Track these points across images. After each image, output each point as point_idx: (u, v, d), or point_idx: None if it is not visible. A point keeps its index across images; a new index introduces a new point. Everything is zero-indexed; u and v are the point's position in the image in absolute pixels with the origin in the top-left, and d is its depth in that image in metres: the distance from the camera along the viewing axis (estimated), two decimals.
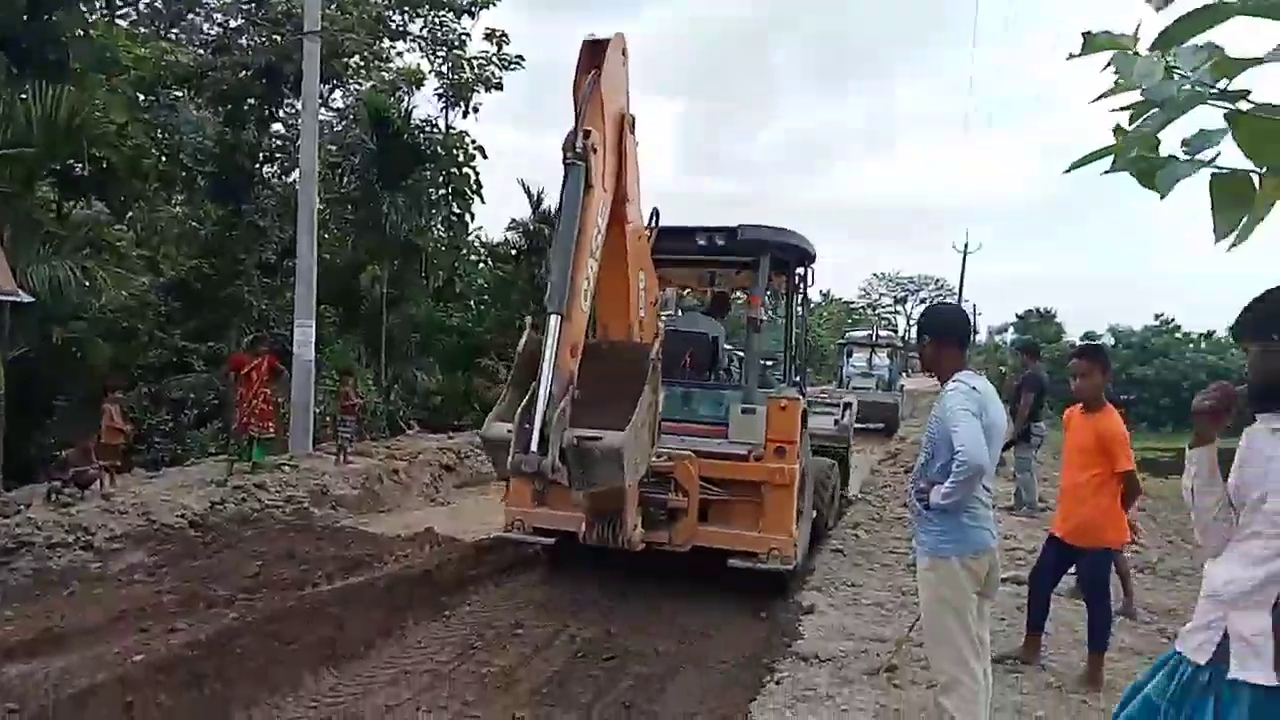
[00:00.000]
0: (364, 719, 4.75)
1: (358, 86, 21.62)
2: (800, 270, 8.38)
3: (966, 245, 49.11)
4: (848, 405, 12.38)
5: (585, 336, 5.06)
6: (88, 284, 12.10)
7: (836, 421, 11.49)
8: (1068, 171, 1.84)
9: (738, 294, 9.85)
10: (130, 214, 17.37)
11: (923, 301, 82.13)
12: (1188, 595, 6.70)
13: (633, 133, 5.84)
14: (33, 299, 10.85)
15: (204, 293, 17.62)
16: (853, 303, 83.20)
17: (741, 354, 8.36)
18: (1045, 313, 57.79)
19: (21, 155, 11.18)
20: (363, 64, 20.63)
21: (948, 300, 47.56)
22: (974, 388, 3.63)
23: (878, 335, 29.97)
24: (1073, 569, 5.32)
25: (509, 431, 4.59)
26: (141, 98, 16.05)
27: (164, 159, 15.89)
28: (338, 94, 21.80)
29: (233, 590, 6.44)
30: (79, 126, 11.72)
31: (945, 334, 3.84)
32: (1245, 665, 2.18)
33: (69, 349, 12.98)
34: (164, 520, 8.40)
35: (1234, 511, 2.37)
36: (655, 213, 6.62)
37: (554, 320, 4.57)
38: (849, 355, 28.10)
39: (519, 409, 4.58)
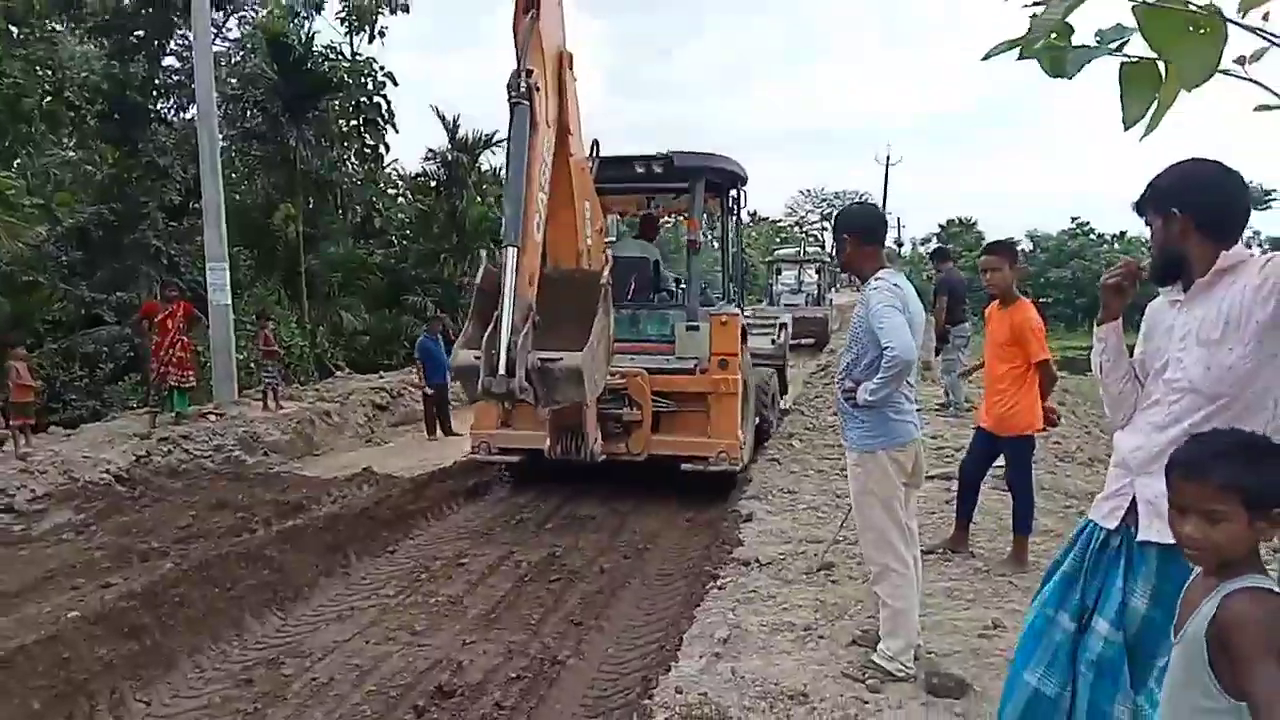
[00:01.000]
0: (313, 656, 4.73)
1: (254, 13, 20.47)
2: (733, 193, 8.79)
3: (889, 158, 49.59)
4: (783, 325, 13.24)
5: (540, 267, 5.45)
6: None
7: (774, 341, 12.14)
8: (985, 59, 1.86)
9: (670, 217, 10.50)
10: (18, 160, 16.34)
11: None
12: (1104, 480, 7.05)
13: (571, 69, 6.10)
14: None
15: (107, 240, 16.78)
16: (780, 221, 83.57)
17: (680, 276, 8.93)
18: (966, 221, 59.13)
19: None
20: None
21: None
22: (895, 284, 3.69)
23: (805, 252, 30.32)
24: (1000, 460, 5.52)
25: (476, 358, 5.05)
26: (15, 31, 14.92)
27: (48, 98, 14.88)
28: (233, 22, 20.65)
29: (166, 542, 6.30)
30: None
31: (863, 233, 3.84)
32: (1150, 527, 2.29)
33: None
34: (88, 477, 8.13)
35: (1139, 384, 2.46)
36: (595, 145, 6.93)
37: (511, 253, 4.94)
38: (778, 273, 28.38)
39: (484, 337, 5.00)
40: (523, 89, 5.19)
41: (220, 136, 12.59)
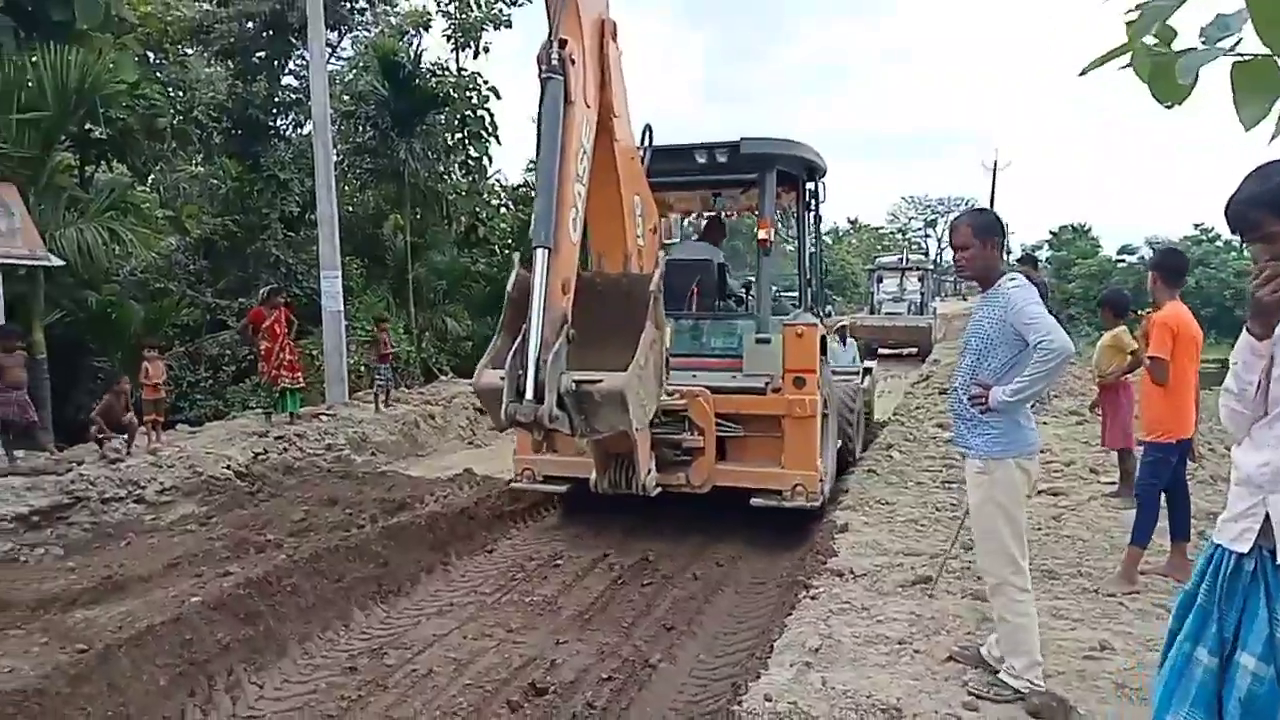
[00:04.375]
0: (414, 648, 4.91)
1: (366, 33, 21.35)
2: (810, 185, 7.76)
3: (996, 163, 47.90)
4: (842, 329, 12.73)
5: (579, 270, 4.76)
6: (116, 247, 12.21)
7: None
8: (1083, 73, 1.80)
9: (735, 217, 9.37)
10: (151, 175, 17.44)
11: None
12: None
13: (615, 40, 5.31)
14: (63, 263, 11.01)
15: (230, 250, 17.77)
16: (881, 228, 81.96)
17: (751, 282, 7.90)
18: (1080, 228, 56.63)
19: (37, 120, 11.21)
20: (368, 7, 20.34)
21: None
22: (1026, 282, 3.64)
23: (908, 259, 29.64)
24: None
25: (501, 379, 4.35)
26: (151, 56, 15.98)
27: (179, 117, 15.85)
28: (346, 41, 21.56)
29: (280, 535, 6.62)
30: (91, 87, 11.68)
31: (991, 235, 3.71)
32: None
33: (104, 311, 13.18)
34: (210, 472, 8.61)
35: (1263, 398, 2.30)
36: (648, 131, 6.14)
37: (540, 255, 4.24)
38: (879, 281, 27.83)
39: (509, 354, 4.29)
40: (554, 61, 4.49)
41: (334, 151, 13.17)
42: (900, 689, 3.63)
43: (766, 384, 6.53)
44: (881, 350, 23.51)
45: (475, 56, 21.24)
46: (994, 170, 46.77)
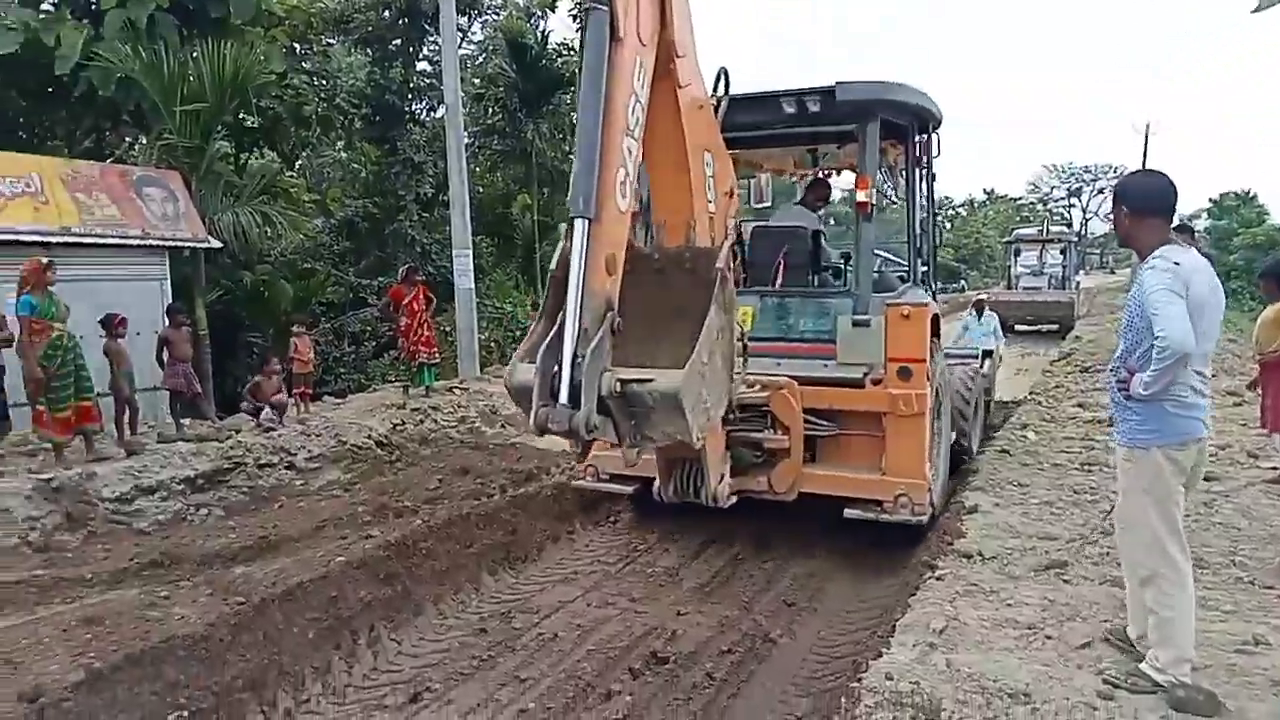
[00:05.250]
0: (540, 612, 5.09)
1: (494, 16, 21.84)
2: (921, 137, 6.57)
3: (1148, 126, 44.74)
4: (979, 302, 11.98)
5: (631, 243, 3.96)
6: (268, 229, 13.06)
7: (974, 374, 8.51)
8: (1258, 10, 1.68)
9: (836, 175, 7.90)
10: (299, 161, 18.49)
11: (1100, 192, 75.95)
12: None
13: None
14: (221, 245, 11.86)
15: (370, 231, 18.66)
16: (1020, 198, 78.05)
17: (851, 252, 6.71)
18: (1244, 195, 52.30)
19: (197, 111, 12.06)
20: None
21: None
22: (1176, 263, 3.29)
23: (1049, 230, 28.13)
24: None
25: (535, 375, 3.54)
26: (296, 47, 16.87)
27: (323, 105, 16.71)
28: (476, 26, 22.12)
29: (417, 501, 6.96)
30: (244, 79, 12.49)
31: (1144, 204, 3.45)
32: None
33: (258, 290, 14.10)
34: (354, 441, 9.12)
35: None
36: (723, 76, 5.12)
37: (580, 226, 3.46)
38: (1017, 254, 26.54)
39: (543, 346, 3.51)
40: None
41: (465, 133, 13.60)
42: (1029, 674, 3.52)
43: (865, 374, 5.63)
44: (1018, 326, 22.46)
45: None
46: (1145, 134, 43.71)
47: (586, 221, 3.47)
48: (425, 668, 4.54)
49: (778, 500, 5.65)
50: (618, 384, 3.48)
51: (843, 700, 3.53)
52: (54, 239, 9.44)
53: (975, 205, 74.63)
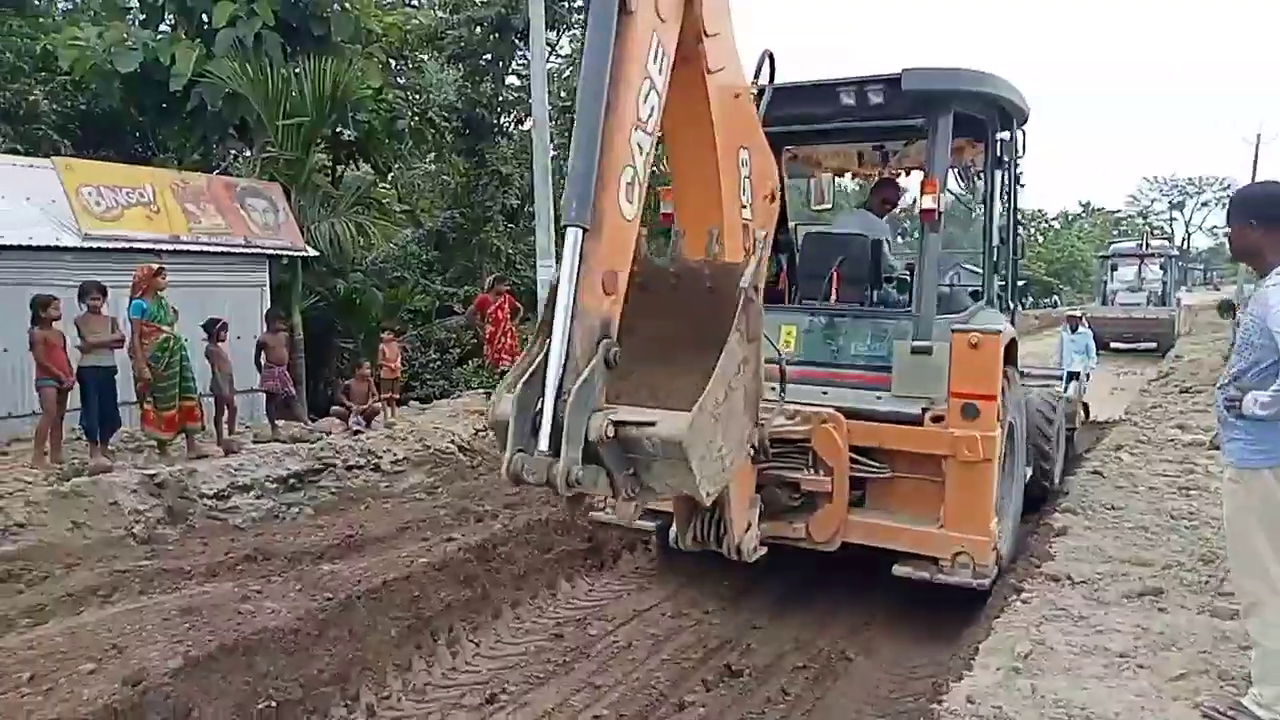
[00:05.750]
0: (615, 620, 5.13)
1: (581, 30, 22.18)
2: (1003, 135, 5.81)
3: (1259, 136, 42.51)
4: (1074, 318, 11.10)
5: (644, 255, 3.48)
6: (361, 239, 13.53)
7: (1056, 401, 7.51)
8: None
9: (907, 175, 7.03)
10: (391, 173, 19.06)
11: (1203, 205, 72.59)
12: None
13: None
14: (317, 253, 12.33)
15: (458, 241, 19.10)
16: (1118, 211, 75.16)
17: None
18: None
19: (299, 124, 12.60)
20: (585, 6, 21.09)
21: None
22: None
23: (1148, 245, 27.03)
24: None
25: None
26: (392, 62, 17.43)
27: (415, 118, 17.20)
28: (564, 40, 22.47)
29: (497, 506, 7.08)
30: (342, 94, 13.00)
31: (1249, 213, 3.28)
32: None
33: (350, 297, 14.58)
34: (437, 446, 9.34)
35: None
36: (767, 59, 4.49)
37: (572, 237, 2.88)
38: (1113, 269, 25.59)
39: (523, 378, 2.93)
40: None
41: (551, 145, 13.81)
42: (1120, 704, 3.39)
43: (924, 410, 4.86)
44: (1114, 344, 21.63)
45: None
46: (1256, 145, 41.58)
47: (580, 231, 2.87)
48: (502, 670, 4.62)
49: (814, 549, 4.99)
50: (611, 427, 2.81)
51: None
52: (164, 246, 9.96)
53: (1070, 218, 72.16)
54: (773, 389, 3.96)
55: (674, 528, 4.75)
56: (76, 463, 7.31)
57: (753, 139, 4.00)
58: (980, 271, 6.36)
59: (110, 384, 7.64)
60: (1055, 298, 50.15)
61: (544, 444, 2.77)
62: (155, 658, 4.15)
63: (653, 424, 2.90)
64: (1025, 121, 5.95)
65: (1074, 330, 12.83)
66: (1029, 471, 6.29)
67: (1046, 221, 66.89)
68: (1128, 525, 5.78)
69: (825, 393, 5.12)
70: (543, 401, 2.80)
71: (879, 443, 4.96)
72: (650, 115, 3.15)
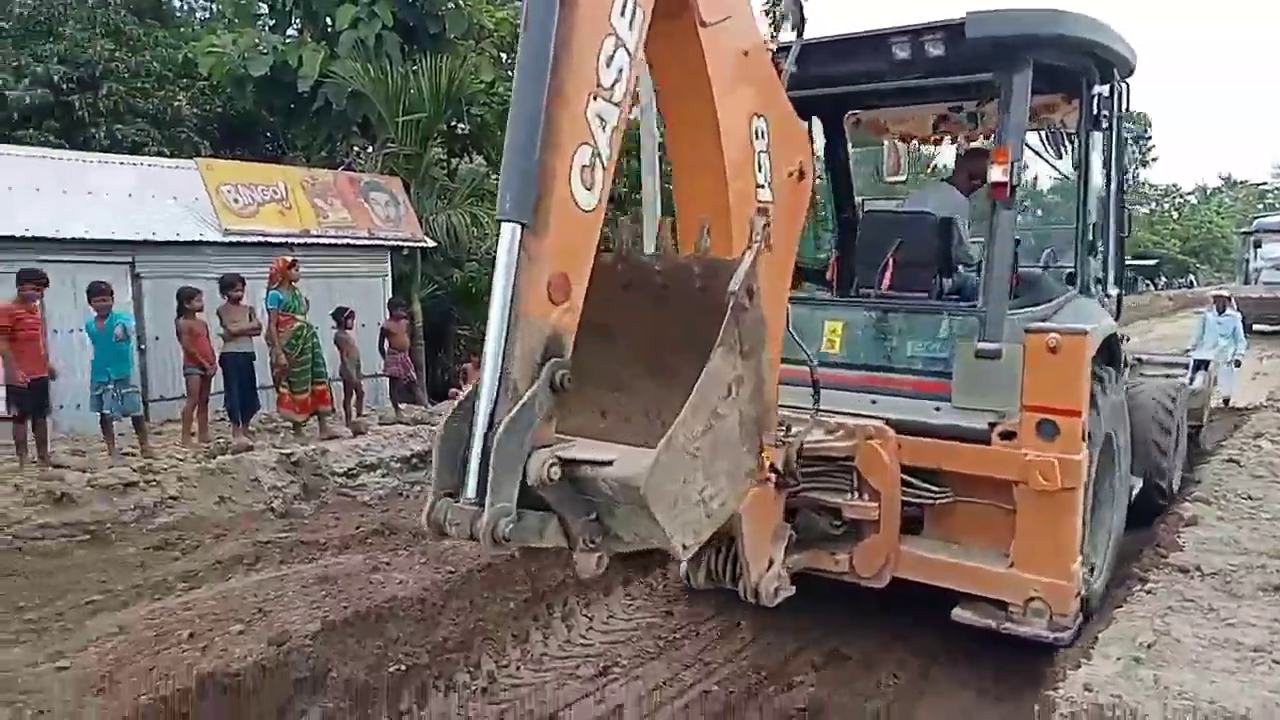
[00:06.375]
0: (724, 600, 5.20)
1: None
2: (1101, 88, 4.81)
3: None
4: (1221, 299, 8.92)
5: (625, 250, 3.08)
6: (476, 229, 13.97)
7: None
8: None
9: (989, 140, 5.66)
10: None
11: None
12: None
13: None
14: (435, 244, 12.82)
15: None
16: (1264, 184, 69.95)
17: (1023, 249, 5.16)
18: None
19: (417, 120, 13.10)
20: None
21: None
22: None
23: None
24: None
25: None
26: (503, 56, 17.87)
27: None
28: None
29: None
30: (458, 89, 13.44)
31: None
32: None
33: (466, 286, 15.07)
34: None
35: None
36: (796, 8, 3.95)
37: (509, 234, 2.33)
38: (1257, 246, 23.89)
39: (452, 409, 2.44)
40: None
41: (657, 133, 13.91)
42: (1252, 700, 3.25)
43: (991, 425, 4.05)
44: (1257, 326, 20.24)
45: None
46: None
47: (518, 228, 2.33)
48: (614, 644, 4.77)
49: (859, 584, 4.25)
50: (556, 467, 2.28)
51: (1036, 708, 3.40)
52: (296, 240, 10.57)
53: (1208, 192, 67.62)
54: (814, 397, 3.62)
55: (684, 565, 4.10)
56: (221, 442, 7.88)
57: (771, 105, 3.29)
58: (1051, 259, 5.62)
59: (249, 369, 8.19)
60: (1191, 277, 47.19)
61: (471, 490, 2.25)
62: (296, 621, 4.49)
63: (608, 463, 2.34)
64: (1130, 73, 5.02)
65: (1221, 312, 11.95)
66: (1138, 483, 5.46)
67: (1181, 196, 62.92)
68: (1265, 516, 5.49)
69: (874, 402, 4.43)
70: (471, 435, 2.28)
71: (936, 463, 4.17)
72: (618, 81, 2.53)
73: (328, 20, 14.43)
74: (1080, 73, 4.68)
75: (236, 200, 10.48)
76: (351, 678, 4.22)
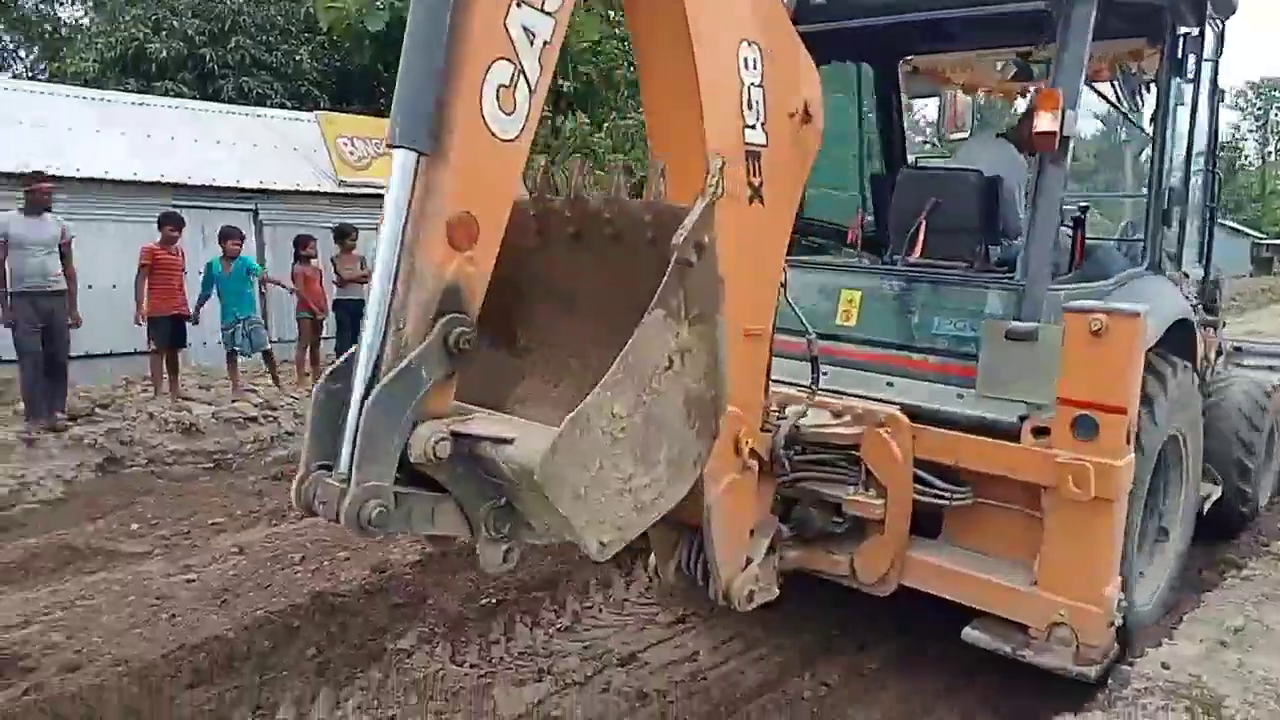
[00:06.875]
0: None
1: None
2: (1188, 30, 4.12)
3: None
4: None
5: (548, 195, 2.61)
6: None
7: None
8: None
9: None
10: (605, 124, 19.69)
11: None
12: None
13: None
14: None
15: None
16: None
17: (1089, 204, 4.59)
18: None
19: None
20: None
21: None
22: None
23: None
24: None
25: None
26: (610, 14, 17.90)
27: (632, 69, 17.63)
28: None
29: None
30: (563, 48, 13.58)
31: None
32: None
33: None
34: None
35: None
36: None
37: (400, 162, 2.02)
38: None
39: (329, 370, 2.20)
40: None
41: None
42: None
43: (1022, 419, 3.50)
44: None
45: None
46: None
47: (416, 156, 2.00)
48: (692, 597, 4.91)
49: (859, 589, 3.78)
50: (445, 443, 1.97)
51: (1110, 680, 3.39)
52: None
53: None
54: (822, 373, 3.28)
55: (653, 558, 3.59)
56: None
57: (765, 32, 2.81)
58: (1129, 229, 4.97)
59: (360, 316, 8.61)
60: None
61: (343, 462, 1.94)
62: (397, 553, 4.83)
63: (508, 441, 2.00)
64: (1231, 11, 4.35)
65: None
66: (1214, 491, 4.81)
67: None
68: None
69: (890, 384, 3.87)
70: (346, 408, 1.98)
71: (954, 459, 3.59)
72: None
73: None
74: (1164, 11, 4.02)
75: (352, 153, 10.96)
76: (446, 607, 4.51)
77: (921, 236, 4.21)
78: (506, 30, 2.06)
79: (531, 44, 2.12)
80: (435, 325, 1.99)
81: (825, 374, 3.45)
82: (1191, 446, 4.25)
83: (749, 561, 3.08)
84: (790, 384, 3.39)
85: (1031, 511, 3.48)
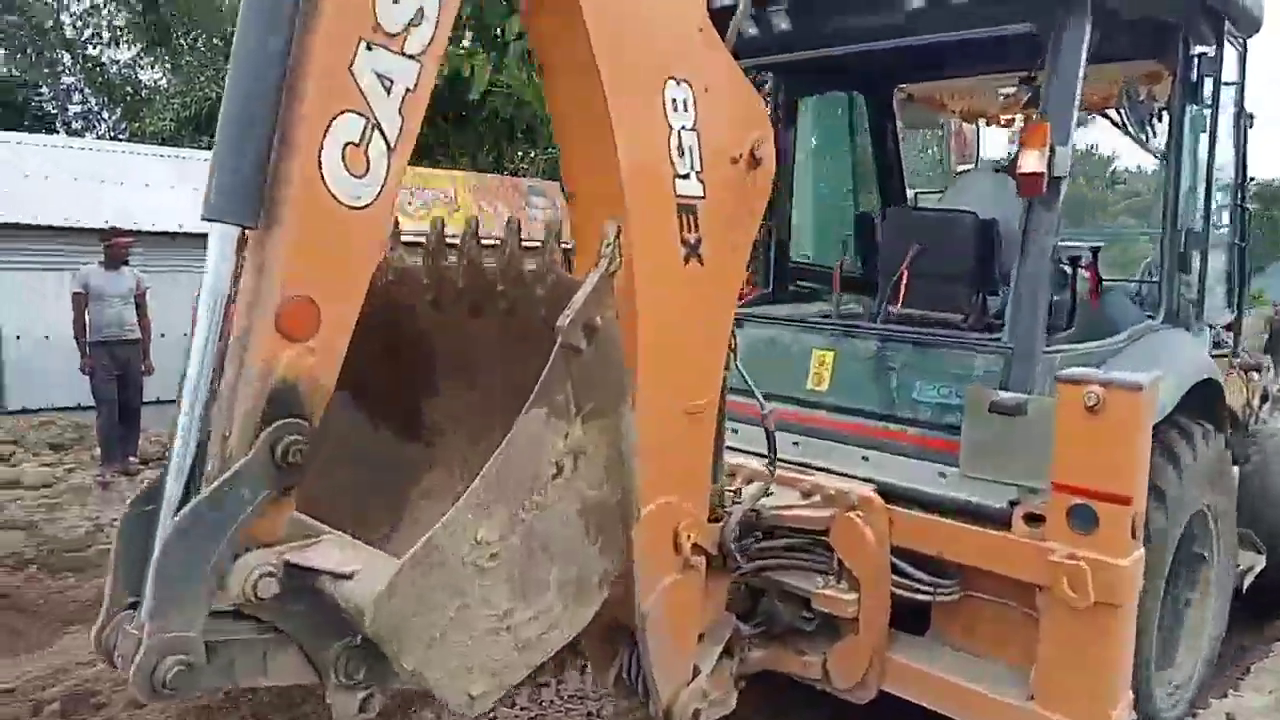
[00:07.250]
0: None
1: None
2: (1204, 49, 3.68)
3: None
4: None
5: (437, 244, 2.32)
6: None
7: None
8: None
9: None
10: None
11: None
12: None
13: None
14: None
15: None
16: None
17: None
18: None
19: None
20: None
21: None
22: None
23: None
24: None
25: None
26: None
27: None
28: None
29: None
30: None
31: None
32: None
33: None
34: None
35: None
36: None
37: (220, 238, 1.63)
38: None
39: (144, 490, 1.77)
40: None
41: None
42: None
43: (1012, 504, 2.94)
44: None
45: None
46: None
47: (238, 231, 1.65)
48: None
49: (837, 694, 3.22)
50: (270, 580, 1.62)
51: None
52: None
53: None
54: (792, 443, 2.91)
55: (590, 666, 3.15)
56: None
57: (700, 67, 2.34)
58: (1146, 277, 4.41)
59: None
60: None
61: (147, 604, 1.56)
62: None
63: (347, 577, 1.63)
64: (1255, 28, 3.89)
65: None
66: (1260, 562, 4.25)
67: None
68: None
69: (866, 458, 3.34)
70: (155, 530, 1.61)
71: (937, 548, 3.04)
72: (414, 19, 1.72)
73: (498, 31, 15.24)
74: (1181, 25, 3.52)
75: (409, 203, 11.31)
76: None
77: (904, 286, 3.78)
78: (354, 78, 1.66)
79: (389, 92, 1.71)
80: (263, 433, 1.60)
81: (796, 444, 3.21)
82: (1224, 519, 3.73)
83: (697, 672, 2.60)
84: (760, 454, 2.98)
85: (1027, 610, 2.91)
